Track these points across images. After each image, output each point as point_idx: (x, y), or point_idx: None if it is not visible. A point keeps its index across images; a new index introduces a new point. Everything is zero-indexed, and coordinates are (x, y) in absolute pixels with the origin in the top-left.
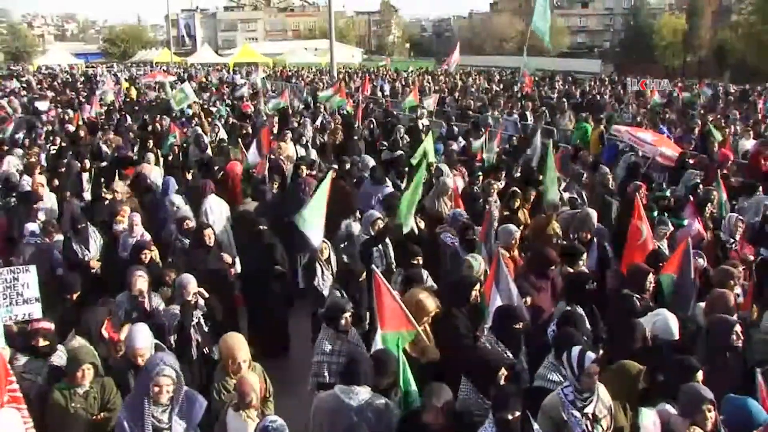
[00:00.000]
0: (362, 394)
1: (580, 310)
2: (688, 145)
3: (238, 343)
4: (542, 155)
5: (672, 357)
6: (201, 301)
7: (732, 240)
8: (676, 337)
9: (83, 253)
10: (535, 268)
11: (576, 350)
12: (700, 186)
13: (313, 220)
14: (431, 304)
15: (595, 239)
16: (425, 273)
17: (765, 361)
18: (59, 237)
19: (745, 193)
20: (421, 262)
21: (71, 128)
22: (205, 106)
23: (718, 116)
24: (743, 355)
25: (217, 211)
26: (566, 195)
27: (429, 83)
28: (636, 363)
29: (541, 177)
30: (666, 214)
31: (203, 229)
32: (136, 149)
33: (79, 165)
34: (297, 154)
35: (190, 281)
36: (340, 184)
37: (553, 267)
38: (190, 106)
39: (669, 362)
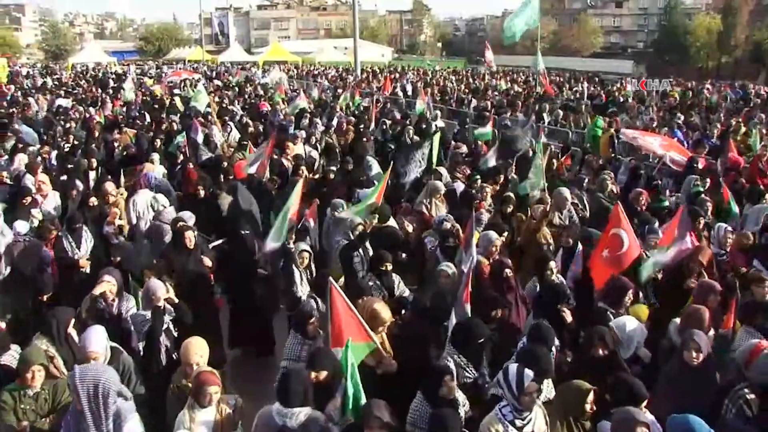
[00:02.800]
0: (301, 415)
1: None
2: (702, 149)
3: (195, 348)
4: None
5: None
6: (170, 307)
7: (722, 252)
8: (632, 349)
9: (74, 251)
10: (495, 281)
11: (514, 368)
12: (702, 193)
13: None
14: (386, 314)
15: (579, 245)
16: (397, 279)
17: (734, 382)
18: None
19: (750, 200)
20: (390, 268)
21: (97, 119)
22: (223, 105)
23: (739, 120)
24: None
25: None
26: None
27: (452, 83)
28: (586, 383)
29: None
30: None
31: (183, 231)
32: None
33: (86, 163)
34: (306, 155)
35: (159, 287)
36: (335, 185)
37: (509, 274)
38: (209, 105)
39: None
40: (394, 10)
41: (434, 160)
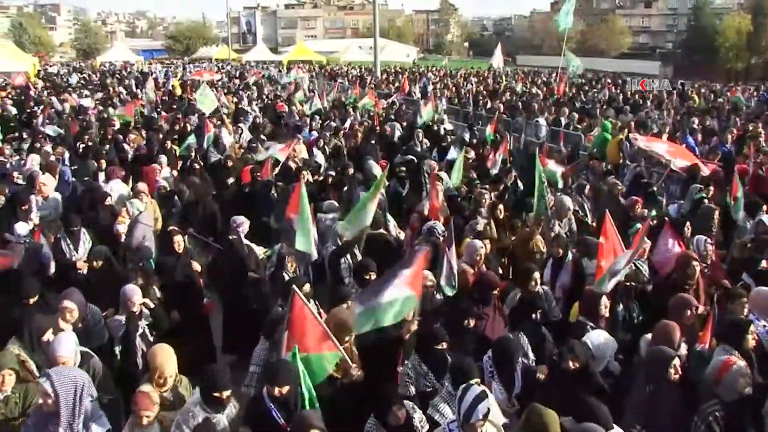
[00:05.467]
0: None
1: (523, 338)
2: (714, 156)
3: (164, 356)
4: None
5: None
6: (146, 311)
7: (704, 265)
8: (605, 363)
9: (71, 253)
10: (479, 292)
11: (471, 396)
12: (705, 201)
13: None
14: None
15: (570, 255)
16: None
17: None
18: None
19: (748, 211)
20: (374, 277)
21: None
22: (239, 106)
23: (757, 125)
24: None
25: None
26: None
27: (472, 84)
28: (555, 416)
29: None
30: None
31: (173, 235)
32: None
33: (95, 164)
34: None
35: (135, 292)
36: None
37: (495, 291)
38: (219, 107)
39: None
40: (420, 9)
41: (458, 177)
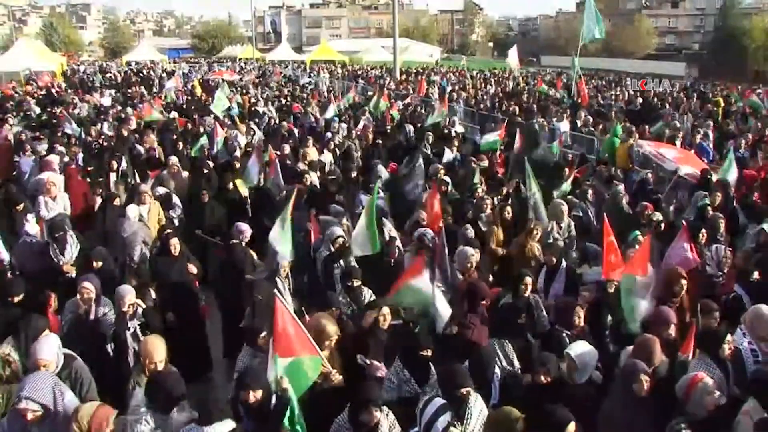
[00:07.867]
0: None
1: (507, 345)
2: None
3: (153, 344)
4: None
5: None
6: (139, 311)
7: (720, 273)
8: (588, 373)
9: (58, 258)
10: (468, 301)
11: (433, 408)
12: (709, 208)
13: (279, 235)
14: (332, 329)
15: (563, 263)
16: (368, 293)
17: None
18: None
19: (755, 219)
20: (358, 283)
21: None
22: (254, 109)
23: None
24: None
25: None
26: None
27: (491, 86)
28: (515, 410)
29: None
30: None
31: (169, 238)
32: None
33: (107, 165)
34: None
35: (127, 292)
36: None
37: (484, 301)
38: (230, 108)
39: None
40: (445, 9)
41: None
